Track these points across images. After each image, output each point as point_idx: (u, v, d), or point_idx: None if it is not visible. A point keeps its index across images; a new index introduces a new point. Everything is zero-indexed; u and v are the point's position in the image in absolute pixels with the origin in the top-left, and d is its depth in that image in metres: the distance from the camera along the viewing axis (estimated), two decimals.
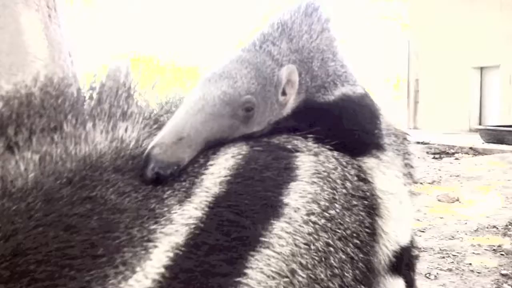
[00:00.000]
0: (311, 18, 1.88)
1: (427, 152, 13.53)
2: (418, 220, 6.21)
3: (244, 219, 1.42)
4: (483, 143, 13.87)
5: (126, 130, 1.49)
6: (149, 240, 1.26)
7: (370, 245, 1.77)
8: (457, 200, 7.40)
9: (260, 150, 1.64)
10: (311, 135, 1.80)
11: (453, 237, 5.67)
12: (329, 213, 1.61)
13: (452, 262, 4.87)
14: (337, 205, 1.65)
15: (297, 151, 1.72)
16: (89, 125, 1.45)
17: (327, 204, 1.62)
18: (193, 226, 1.34)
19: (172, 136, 1.45)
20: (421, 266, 4.56)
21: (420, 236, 5.57)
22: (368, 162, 1.89)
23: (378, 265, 1.86)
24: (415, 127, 19.71)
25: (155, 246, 1.26)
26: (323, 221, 1.57)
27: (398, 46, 19.08)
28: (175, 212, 1.34)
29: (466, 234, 5.71)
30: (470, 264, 4.77)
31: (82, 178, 1.32)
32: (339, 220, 1.63)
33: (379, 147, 1.92)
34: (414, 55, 20.15)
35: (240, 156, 1.57)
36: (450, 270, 4.69)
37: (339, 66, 1.89)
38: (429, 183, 8.77)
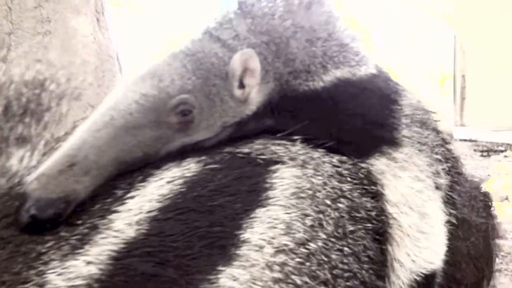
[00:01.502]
0: None
1: (475, 150, 12.72)
2: None
3: (170, 271, 0.98)
4: None
5: (21, 159, 1.10)
6: None
7: (375, 284, 1.29)
8: (506, 198, 6.74)
9: (217, 168, 1.21)
10: (298, 137, 1.38)
11: (502, 237, 5.15)
12: (308, 248, 1.17)
13: (501, 262, 4.33)
14: (322, 235, 1.21)
15: (276, 163, 1.29)
16: None
17: (306, 235, 1.18)
18: None
19: (59, 164, 1.06)
20: None
21: None
22: (378, 165, 1.44)
23: None
24: (462, 124, 18.67)
25: None
26: (297, 260, 1.14)
27: (443, 41, 18.08)
28: (54, 272, 0.93)
29: None
30: None
31: None
32: (322, 257, 1.19)
33: (393, 143, 1.45)
34: (461, 50, 19.10)
35: (180, 181, 1.13)
36: (499, 271, 4.20)
37: (335, 46, 1.46)
38: None
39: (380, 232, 1.41)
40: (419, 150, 1.52)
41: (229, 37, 1.37)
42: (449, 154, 1.70)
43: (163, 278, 1.00)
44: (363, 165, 1.47)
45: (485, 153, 12.67)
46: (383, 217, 1.43)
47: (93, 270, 0.99)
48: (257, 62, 1.34)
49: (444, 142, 1.70)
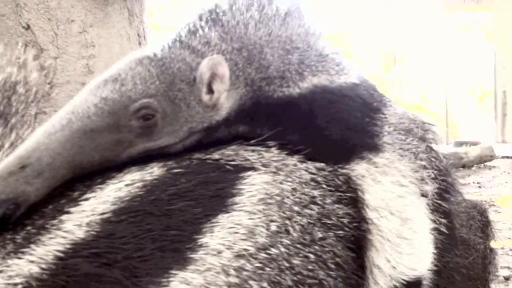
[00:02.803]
0: (267, 6, 1.45)
1: None
2: (510, 238, 5.39)
3: (116, 272, 0.95)
4: None
5: None
6: None
7: None
8: None
9: (180, 173, 1.17)
10: (273, 143, 1.34)
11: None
12: (269, 253, 1.11)
13: None
14: (286, 241, 1.15)
15: (248, 169, 1.24)
16: None
17: (268, 241, 1.12)
18: (20, 286, 0.93)
19: (11, 165, 1.04)
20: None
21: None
22: (358, 170, 1.38)
23: None
24: (504, 141, 17.90)
25: None
26: (257, 264, 1.08)
27: (483, 58, 17.47)
28: None
29: None
30: None
31: None
32: (284, 263, 1.12)
33: (373, 148, 1.39)
34: (501, 66, 18.38)
35: (140, 184, 1.10)
36: None
37: (314, 56, 1.42)
38: None
39: (357, 239, 1.34)
40: (401, 156, 1.45)
41: (199, 44, 1.34)
42: (436, 163, 1.59)
43: (107, 279, 0.97)
44: (343, 171, 1.40)
45: None
46: (359, 224, 1.35)
47: (35, 269, 0.97)
48: (225, 68, 1.31)
49: (431, 150, 1.61)
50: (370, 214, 1.38)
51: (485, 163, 10.81)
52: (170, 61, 1.28)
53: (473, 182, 8.98)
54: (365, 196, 1.39)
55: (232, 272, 1.07)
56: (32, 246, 0.99)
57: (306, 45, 1.46)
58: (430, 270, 1.47)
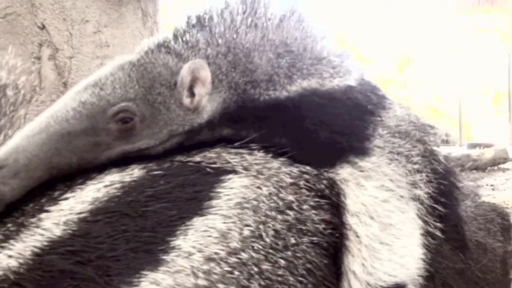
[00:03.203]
0: (260, 11, 1.45)
1: None
2: None
3: (89, 270, 0.99)
4: None
5: None
6: None
7: None
8: None
9: (159, 175, 1.19)
10: (257, 145, 1.34)
11: None
12: (239, 258, 1.13)
13: None
14: (258, 246, 1.17)
15: (229, 172, 1.25)
16: None
17: (240, 245, 1.14)
18: None
19: None
20: None
21: None
22: (342, 174, 1.36)
23: None
24: None
25: None
26: (226, 268, 1.10)
27: (497, 59, 17.16)
28: None
29: None
30: None
31: None
32: (253, 267, 1.14)
33: (360, 152, 1.37)
34: None
35: (118, 185, 1.14)
36: None
37: (308, 59, 1.42)
38: None
39: (333, 245, 1.33)
40: (391, 160, 1.42)
41: (182, 49, 1.35)
42: (434, 166, 1.54)
43: (80, 276, 1.01)
44: (328, 175, 1.39)
45: None
46: (337, 229, 1.34)
47: (13, 263, 1.02)
48: (207, 72, 1.32)
49: (430, 153, 1.56)
50: (350, 219, 1.37)
51: (499, 165, 10.64)
52: (151, 66, 1.30)
53: (487, 185, 8.82)
54: (347, 201, 1.38)
55: (201, 275, 1.09)
56: (11, 241, 1.04)
57: (302, 49, 1.45)
58: (421, 276, 1.44)
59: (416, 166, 1.47)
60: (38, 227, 1.07)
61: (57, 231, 1.07)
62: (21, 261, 1.02)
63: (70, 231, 1.07)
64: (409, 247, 1.41)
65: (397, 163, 1.43)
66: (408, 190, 1.44)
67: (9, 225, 1.07)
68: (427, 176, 1.49)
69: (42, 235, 1.06)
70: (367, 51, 17.31)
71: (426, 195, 1.47)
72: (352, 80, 1.47)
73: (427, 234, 1.47)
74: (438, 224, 1.50)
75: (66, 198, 1.13)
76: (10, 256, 1.02)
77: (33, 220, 1.08)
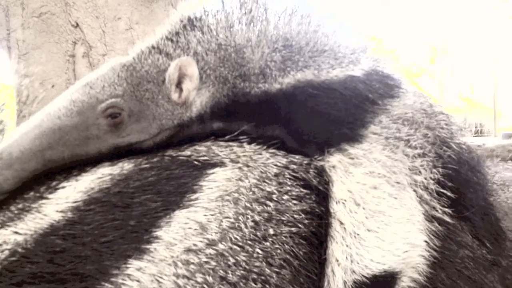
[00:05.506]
0: (256, 8, 1.48)
1: None
2: None
3: (87, 250, 1.10)
4: None
5: None
6: None
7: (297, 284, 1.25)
8: None
9: (147, 168, 1.27)
10: (246, 137, 1.36)
11: None
12: (216, 249, 1.18)
13: None
14: (236, 237, 1.21)
15: (215, 165, 1.30)
16: None
17: (218, 237, 1.19)
18: (7, 251, 1.11)
19: None
20: None
21: None
22: (331, 161, 1.36)
23: None
24: None
25: None
26: (204, 259, 1.16)
27: None
28: None
29: None
30: None
31: None
32: (230, 258, 1.19)
33: (351, 139, 1.36)
34: None
35: (108, 178, 1.24)
36: None
37: (309, 52, 1.42)
38: None
39: (316, 234, 1.33)
40: (385, 145, 1.39)
41: (171, 48, 1.40)
42: (441, 152, 1.48)
43: (79, 254, 1.12)
44: (319, 163, 1.38)
45: None
46: (320, 219, 1.33)
47: (19, 238, 1.12)
48: (194, 68, 1.36)
49: (440, 139, 1.50)
50: (335, 206, 1.36)
51: None
52: (140, 66, 1.36)
53: None
54: (333, 188, 1.37)
55: (181, 265, 1.15)
56: (17, 221, 1.16)
57: (303, 42, 1.45)
58: (428, 263, 1.39)
59: (417, 151, 1.43)
60: (39, 212, 1.18)
61: (56, 217, 1.17)
62: (27, 237, 1.12)
63: (66, 218, 1.17)
64: (402, 233, 1.36)
65: (393, 148, 1.40)
66: (406, 175, 1.40)
67: (13, 208, 1.19)
68: (432, 161, 1.45)
69: (42, 219, 1.17)
70: (397, 43, 16.88)
71: (431, 180, 1.43)
72: (358, 70, 1.46)
73: (433, 219, 1.42)
74: (447, 210, 1.45)
75: (64, 187, 1.23)
76: (16, 233, 1.13)
77: (34, 205, 1.19)
